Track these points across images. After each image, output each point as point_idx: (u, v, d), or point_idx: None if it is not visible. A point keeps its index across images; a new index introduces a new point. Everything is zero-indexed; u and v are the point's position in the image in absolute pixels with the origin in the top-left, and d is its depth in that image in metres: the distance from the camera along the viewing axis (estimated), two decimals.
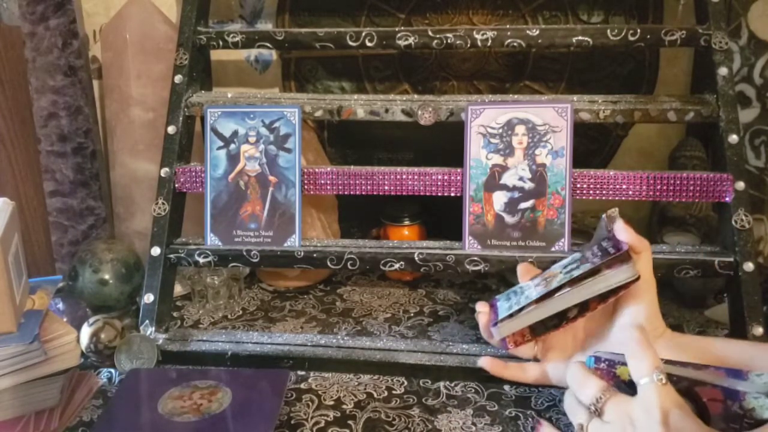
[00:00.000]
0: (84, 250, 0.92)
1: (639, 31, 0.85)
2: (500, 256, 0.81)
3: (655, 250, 0.81)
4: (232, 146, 0.86)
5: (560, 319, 0.67)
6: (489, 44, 0.87)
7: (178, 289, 0.96)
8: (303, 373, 0.78)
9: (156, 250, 0.85)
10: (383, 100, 0.88)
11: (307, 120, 0.98)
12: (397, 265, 0.83)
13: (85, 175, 1.06)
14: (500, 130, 0.82)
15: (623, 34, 0.85)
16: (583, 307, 0.65)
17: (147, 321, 0.82)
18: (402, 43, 0.89)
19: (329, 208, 1.05)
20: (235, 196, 0.86)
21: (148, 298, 0.83)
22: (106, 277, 0.89)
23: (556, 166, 0.81)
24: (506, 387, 0.75)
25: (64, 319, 0.78)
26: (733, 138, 0.81)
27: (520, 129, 0.81)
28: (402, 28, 0.93)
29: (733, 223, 0.79)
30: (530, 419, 0.69)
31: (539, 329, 0.68)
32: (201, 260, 0.85)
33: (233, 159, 0.86)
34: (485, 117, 0.82)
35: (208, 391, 0.70)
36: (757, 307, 0.76)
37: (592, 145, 1.08)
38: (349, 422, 0.69)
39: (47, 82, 1.02)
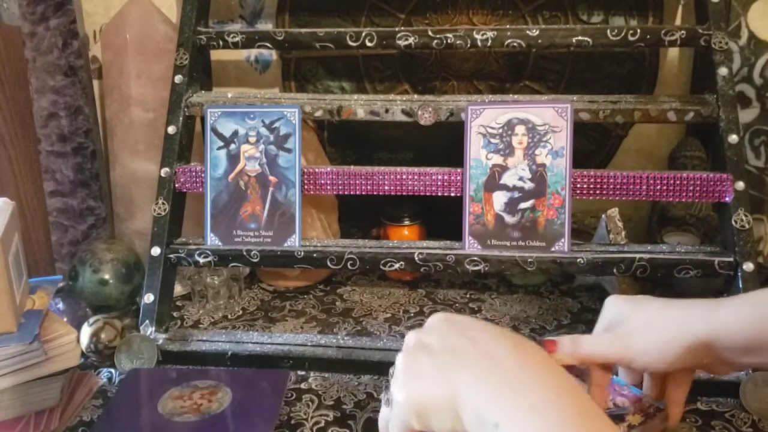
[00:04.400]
0: (84, 250, 0.92)
1: (639, 31, 0.85)
2: (500, 256, 0.81)
3: (655, 250, 0.81)
4: (232, 146, 0.86)
5: None
6: (489, 44, 0.87)
7: (178, 289, 0.96)
8: (303, 373, 0.78)
9: (156, 250, 0.85)
10: (383, 100, 0.88)
11: (307, 120, 0.98)
12: (397, 265, 0.83)
13: (85, 175, 1.06)
14: (500, 130, 0.82)
15: (623, 34, 0.85)
16: None
17: (147, 321, 0.82)
18: (402, 43, 0.89)
19: (329, 208, 1.05)
20: (235, 196, 0.86)
21: (148, 298, 0.83)
22: (106, 277, 0.89)
23: (556, 166, 0.81)
24: None
25: (64, 319, 0.78)
26: (733, 138, 0.81)
27: (520, 129, 0.81)
28: (402, 28, 0.94)
29: (733, 223, 0.79)
30: None
31: None
32: (201, 260, 0.85)
33: (233, 159, 0.86)
34: (485, 117, 0.82)
35: (208, 391, 0.70)
36: None
37: (592, 145, 1.08)
38: (349, 422, 0.69)
39: (47, 82, 1.02)
